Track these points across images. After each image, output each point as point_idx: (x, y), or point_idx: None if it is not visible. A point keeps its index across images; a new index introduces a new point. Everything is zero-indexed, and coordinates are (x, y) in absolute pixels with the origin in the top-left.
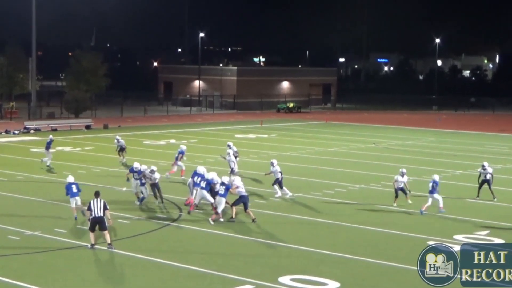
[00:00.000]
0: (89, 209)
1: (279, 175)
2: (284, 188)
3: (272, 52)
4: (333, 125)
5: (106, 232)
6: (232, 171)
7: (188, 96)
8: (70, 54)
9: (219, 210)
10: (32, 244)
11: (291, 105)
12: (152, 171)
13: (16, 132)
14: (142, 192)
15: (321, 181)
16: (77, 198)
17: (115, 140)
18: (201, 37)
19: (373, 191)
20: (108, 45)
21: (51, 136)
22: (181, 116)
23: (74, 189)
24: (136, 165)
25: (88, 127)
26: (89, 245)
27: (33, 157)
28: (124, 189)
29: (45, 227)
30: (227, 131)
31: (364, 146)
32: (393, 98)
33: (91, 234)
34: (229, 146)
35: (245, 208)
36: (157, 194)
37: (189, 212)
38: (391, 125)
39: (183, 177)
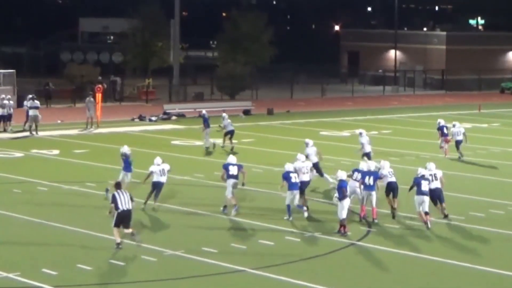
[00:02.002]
0: (114, 202)
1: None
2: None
3: (495, 12)
4: None
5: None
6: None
7: (380, 71)
8: (224, 14)
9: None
10: (171, 268)
11: None
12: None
13: (153, 118)
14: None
15: None
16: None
17: (222, 118)
18: None
19: None
20: (275, 2)
21: (203, 111)
22: (371, 98)
23: (234, 171)
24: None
25: (247, 112)
26: (115, 245)
27: (175, 152)
28: (284, 194)
29: (191, 245)
30: (433, 118)
31: None
32: None
33: (116, 230)
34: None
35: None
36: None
37: (360, 220)
38: None
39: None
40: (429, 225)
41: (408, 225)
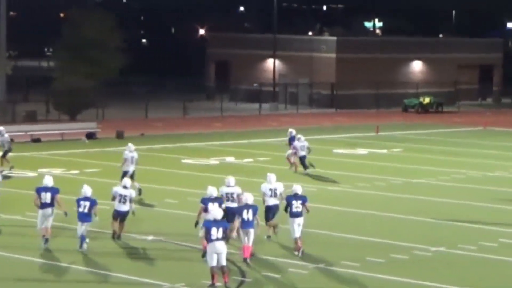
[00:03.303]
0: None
1: None
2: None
3: (395, 13)
4: (496, 133)
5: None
6: None
7: (256, 85)
8: (62, 15)
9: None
10: None
11: (427, 100)
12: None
13: None
14: None
15: (478, 226)
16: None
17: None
18: None
19: None
20: (125, 0)
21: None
22: (245, 118)
23: (47, 198)
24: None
25: (91, 135)
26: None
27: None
28: (150, 238)
29: None
30: (321, 143)
31: None
32: None
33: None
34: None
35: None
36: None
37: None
38: None
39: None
40: (301, 254)
41: (291, 272)
